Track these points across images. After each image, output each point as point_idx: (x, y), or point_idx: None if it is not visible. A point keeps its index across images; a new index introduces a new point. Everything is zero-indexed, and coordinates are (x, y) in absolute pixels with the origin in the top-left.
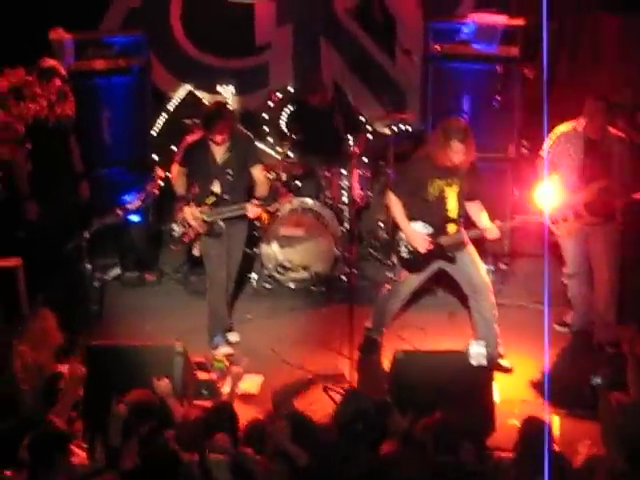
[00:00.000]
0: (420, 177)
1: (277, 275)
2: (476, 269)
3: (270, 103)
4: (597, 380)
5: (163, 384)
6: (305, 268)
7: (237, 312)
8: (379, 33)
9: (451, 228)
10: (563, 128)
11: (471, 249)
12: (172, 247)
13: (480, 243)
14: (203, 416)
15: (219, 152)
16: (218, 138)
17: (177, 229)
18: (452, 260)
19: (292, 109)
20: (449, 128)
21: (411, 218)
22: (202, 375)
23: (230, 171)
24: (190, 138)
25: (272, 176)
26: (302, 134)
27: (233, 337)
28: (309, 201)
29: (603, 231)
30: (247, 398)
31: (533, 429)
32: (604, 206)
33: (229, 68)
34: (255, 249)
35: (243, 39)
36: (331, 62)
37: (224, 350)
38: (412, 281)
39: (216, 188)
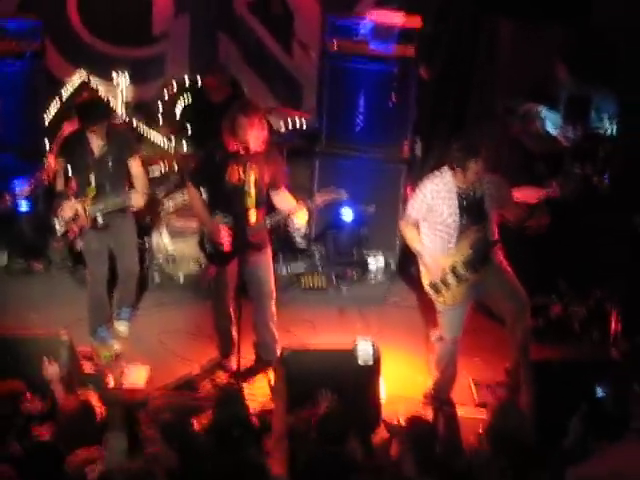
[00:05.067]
0: (215, 164)
1: (167, 267)
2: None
3: (165, 93)
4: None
5: (52, 368)
6: (195, 260)
7: None
8: (277, 27)
9: (252, 216)
10: (430, 184)
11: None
12: (55, 244)
13: None
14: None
15: (96, 144)
16: (98, 129)
17: (59, 226)
18: (260, 248)
19: (188, 101)
20: (233, 106)
21: (212, 208)
22: (88, 366)
23: (109, 162)
24: (67, 129)
25: (163, 168)
26: (197, 126)
27: (123, 330)
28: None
29: (490, 269)
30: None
31: (417, 427)
32: (483, 257)
33: (125, 56)
34: (145, 241)
35: (140, 28)
36: (228, 55)
37: (113, 344)
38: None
39: (96, 181)
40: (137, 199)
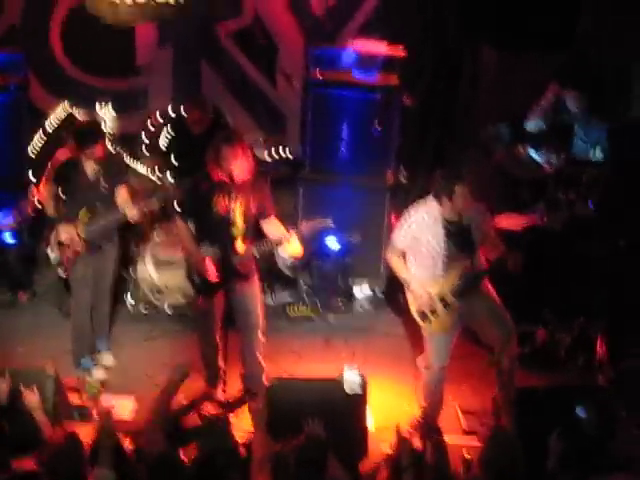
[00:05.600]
0: (201, 195)
1: (153, 299)
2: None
3: (149, 125)
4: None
5: (31, 396)
6: (181, 292)
7: (112, 335)
8: (260, 57)
9: (240, 245)
10: (415, 213)
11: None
12: (59, 272)
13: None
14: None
15: (90, 167)
16: (94, 152)
17: (52, 254)
18: (247, 278)
19: (171, 133)
20: (217, 136)
21: (199, 240)
22: (74, 398)
23: (103, 185)
24: (61, 156)
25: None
26: (182, 158)
27: (107, 360)
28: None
29: (477, 296)
30: (120, 424)
31: (405, 455)
32: (472, 285)
33: (108, 88)
34: (131, 272)
35: (123, 59)
36: (211, 86)
37: (99, 375)
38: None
39: (89, 204)
40: (131, 211)
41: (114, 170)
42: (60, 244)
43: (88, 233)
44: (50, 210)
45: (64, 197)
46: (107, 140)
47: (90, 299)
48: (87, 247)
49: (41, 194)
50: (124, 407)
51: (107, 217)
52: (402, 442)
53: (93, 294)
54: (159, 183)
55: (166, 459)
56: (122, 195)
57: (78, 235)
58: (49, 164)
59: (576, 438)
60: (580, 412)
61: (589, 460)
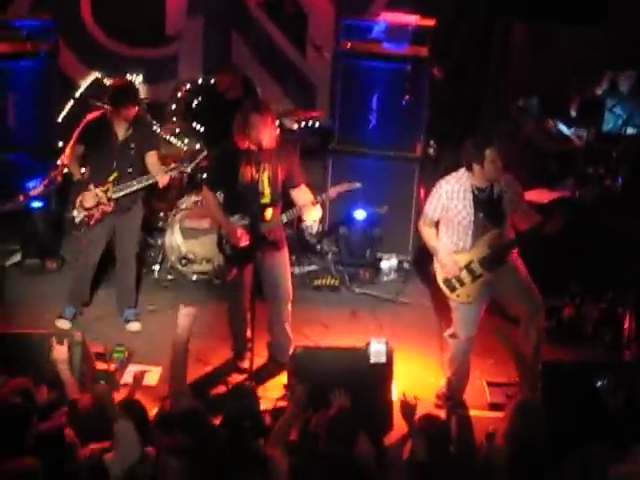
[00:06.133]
0: (228, 164)
1: (179, 267)
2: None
3: (179, 94)
4: (602, 381)
5: (60, 349)
6: (208, 260)
7: (139, 303)
8: (290, 28)
9: (268, 214)
10: (446, 184)
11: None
12: (75, 233)
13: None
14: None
15: (121, 128)
16: (128, 114)
17: (77, 214)
18: (276, 247)
19: (201, 101)
20: (245, 105)
21: (228, 210)
22: (101, 365)
23: (133, 147)
24: (90, 116)
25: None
26: (210, 125)
27: (134, 326)
28: None
29: (505, 268)
30: (146, 390)
31: (430, 426)
32: (500, 256)
33: (138, 57)
34: (158, 240)
35: (153, 28)
36: (241, 55)
37: (61, 324)
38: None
39: (118, 164)
40: (163, 177)
41: (145, 135)
42: (85, 208)
43: (118, 194)
44: (76, 172)
45: (92, 158)
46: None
47: (97, 259)
48: (117, 207)
49: (67, 156)
50: (151, 375)
51: (137, 180)
52: (427, 415)
53: (117, 254)
54: (188, 151)
55: (195, 413)
56: (152, 160)
57: (107, 196)
58: (79, 124)
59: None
60: (599, 383)
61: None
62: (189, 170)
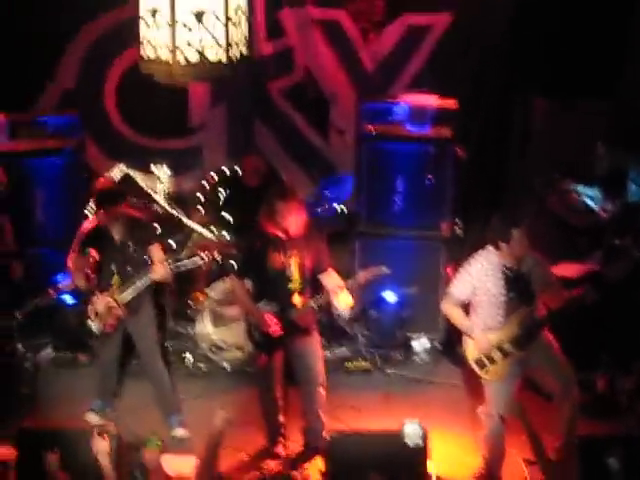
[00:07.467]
0: (256, 252)
1: (211, 355)
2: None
3: (205, 183)
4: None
5: (101, 442)
6: (239, 348)
7: None
8: (313, 113)
9: (297, 300)
10: (475, 263)
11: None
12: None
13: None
14: None
15: (116, 230)
16: (117, 212)
17: (94, 325)
18: (307, 332)
19: (227, 189)
20: (272, 192)
21: (257, 297)
22: (134, 456)
23: (130, 246)
24: (86, 227)
25: (206, 256)
26: (237, 215)
27: (179, 432)
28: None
29: (536, 345)
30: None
31: None
32: (531, 335)
33: (163, 148)
34: (189, 328)
35: (177, 120)
36: (265, 142)
37: (90, 417)
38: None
39: (118, 268)
40: (158, 270)
41: (139, 229)
42: (98, 315)
43: (124, 297)
44: (80, 283)
45: (95, 266)
46: (129, 200)
47: (117, 353)
48: (127, 310)
49: (70, 268)
50: (185, 464)
51: (139, 279)
52: None
53: (140, 358)
54: (215, 240)
55: None
56: (156, 254)
57: (115, 301)
58: (76, 236)
59: None
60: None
61: None
62: (188, 263)
